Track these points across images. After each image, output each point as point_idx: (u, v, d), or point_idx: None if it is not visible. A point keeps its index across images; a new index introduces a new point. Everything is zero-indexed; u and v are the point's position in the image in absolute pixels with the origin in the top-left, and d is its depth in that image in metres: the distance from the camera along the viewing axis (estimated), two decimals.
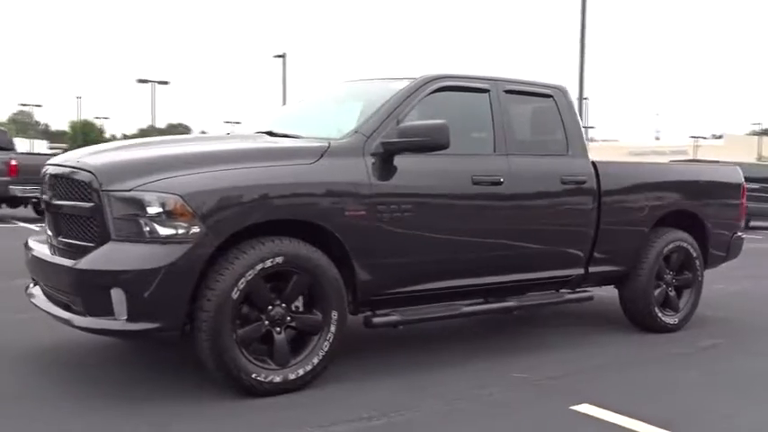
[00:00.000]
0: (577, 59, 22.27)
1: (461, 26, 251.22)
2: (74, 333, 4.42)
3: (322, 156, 4.31)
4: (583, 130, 5.57)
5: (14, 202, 16.05)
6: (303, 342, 4.21)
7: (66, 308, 4.07)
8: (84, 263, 3.85)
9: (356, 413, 3.87)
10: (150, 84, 47.55)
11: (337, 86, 5.90)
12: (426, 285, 4.70)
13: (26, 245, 4.78)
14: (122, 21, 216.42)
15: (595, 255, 5.55)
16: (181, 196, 3.81)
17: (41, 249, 4.52)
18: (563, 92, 5.60)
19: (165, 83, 48.83)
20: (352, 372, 4.54)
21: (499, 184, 4.92)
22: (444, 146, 4.42)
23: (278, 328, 4.11)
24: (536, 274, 5.27)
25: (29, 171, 16.12)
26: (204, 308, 3.86)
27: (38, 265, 4.48)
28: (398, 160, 4.52)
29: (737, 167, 6.80)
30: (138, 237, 3.82)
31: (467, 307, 4.92)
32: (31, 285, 4.81)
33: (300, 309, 4.21)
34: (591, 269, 5.58)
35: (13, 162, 15.61)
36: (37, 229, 13.81)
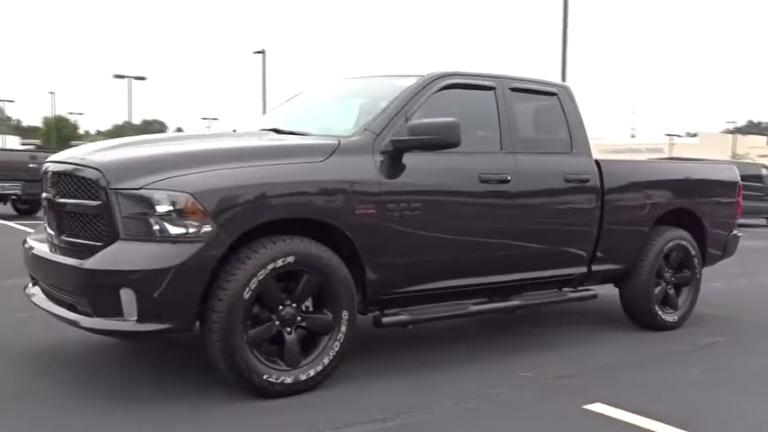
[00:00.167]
0: (559, 57, 22.32)
1: (441, 22, 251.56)
2: (73, 332, 4.34)
3: (332, 153, 4.25)
4: (586, 128, 5.56)
5: None
6: (313, 342, 4.15)
7: (72, 308, 3.97)
8: (92, 262, 3.76)
9: (368, 414, 3.82)
10: (127, 79, 46.89)
11: (339, 83, 5.84)
12: (435, 284, 4.66)
13: (25, 243, 4.67)
14: (98, 15, 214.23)
15: (598, 253, 5.56)
16: (192, 194, 3.73)
17: (42, 248, 4.42)
18: (567, 90, 5.59)
19: (142, 78, 48.15)
20: (360, 371, 4.49)
21: (506, 182, 4.90)
22: (455, 144, 4.38)
23: (288, 329, 4.05)
24: (541, 272, 5.26)
25: (2, 168, 15.90)
26: (215, 308, 3.79)
27: (39, 263, 4.37)
28: (406, 158, 4.47)
29: (734, 166, 6.85)
30: (147, 236, 3.74)
31: (474, 306, 4.89)
32: (30, 285, 4.71)
33: (310, 309, 4.15)
34: (593, 267, 5.59)
35: None
36: (14, 226, 13.58)
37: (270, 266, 3.89)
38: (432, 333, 5.64)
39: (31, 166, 15.56)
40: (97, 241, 3.87)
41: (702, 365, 5.14)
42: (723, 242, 6.58)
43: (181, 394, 4.08)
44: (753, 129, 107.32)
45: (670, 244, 6.01)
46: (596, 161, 5.54)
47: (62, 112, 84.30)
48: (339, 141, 4.35)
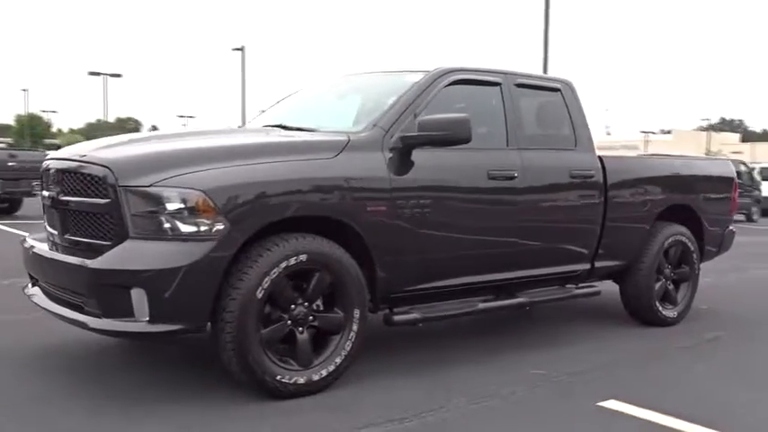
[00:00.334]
0: (536, 54, 22.37)
1: (420, 18, 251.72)
2: (74, 334, 4.25)
3: (342, 150, 4.19)
4: (589, 124, 5.55)
5: None
6: (324, 342, 4.09)
7: (78, 309, 3.86)
8: (101, 261, 3.66)
9: (386, 414, 3.76)
10: (102, 76, 46.32)
11: (341, 79, 5.77)
12: (444, 282, 4.62)
13: (24, 243, 4.56)
14: (73, 10, 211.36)
15: (600, 249, 5.55)
16: (204, 192, 3.65)
17: (43, 247, 4.31)
18: (570, 86, 5.57)
19: (118, 76, 47.60)
20: (368, 370, 4.42)
21: (513, 178, 4.87)
22: (466, 140, 4.34)
23: (300, 328, 3.98)
24: (546, 269, 5.24)
25: None
26: (228, 308, 3.70)
27: (41, 263, 4.26)
28: (415, 155, 4.42)
29: (729, 161, 6.89)
30: (158, 234, 3.65)
31: (482, 304, 4.85)
32: (30, 285, 4.59)
33: (321, 308, 4.08)
34: (596, 264, 5.58)
35: None
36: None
37: (283, 265, 3.82)
38: (435, 331, 5.59)
39: (10, 164, 15.29)
40: (105, 240, 3.77)
41: (709, 360, 5.17)
42: (720, 238, 6.62)
43: (189, 395, 3.99)
44: (725, 126, 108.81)
45: (670, 240, 6.03)
46: (599, 157, 5.53)
47: (35, 109, 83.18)
48: (349, 138, 4.28)
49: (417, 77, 4.74)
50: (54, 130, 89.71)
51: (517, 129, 5.04)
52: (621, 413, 3.92)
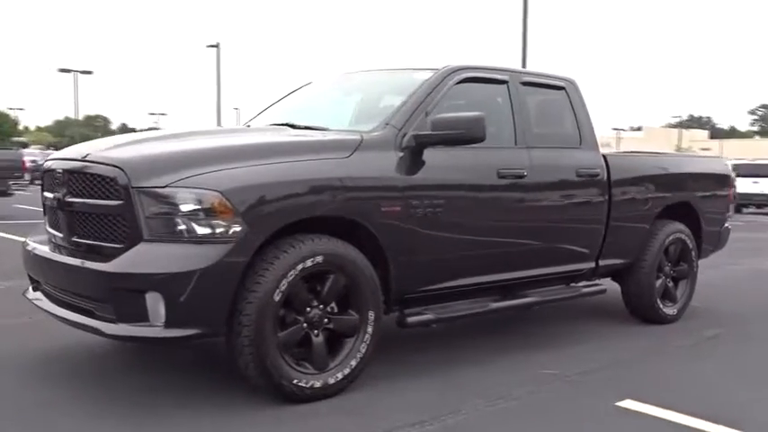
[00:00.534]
0: (508, 53, 22.47)
1: (396, 14, 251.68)
2: (78, 336, 4.15)
3: (356, 149, 4.12)
4: (593, 122, 5.55)
5: None
6: (339, 344, 4.02)
7: (88, 314, 3.75)
8: (115, 265, 3.55)
9: (404, 418, 3.71)
10: (72, 73, 45.64)
11: (342, 77, 5.70)
12: (456, 282, 4.58)
13: (26, 245, 4.43)
14: (42, 6, 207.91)
15: (605, 248, 5.55)
16: (221, 192, 3.56)
17: (45, 249, 4.19)
18: (573, 84, 5.56)
19: (89, 73, 46.95)
20: (381, 372, 4.35)
21: (523, 177, 4.84)
22: (481, 139, 4.29)
23: (316, 331, 3.91)
24: (553, 268, 5.22)
25: None
26: (245, 311, 3.62)
27: (44, 265, 4.14)
28: (426, 154, 4.37)
29: (725, 159, 6.93)
30: (174, 237, 3.55)
31: (494, 303, 4.82)
32: (31, 289, 4.47)
33: (335, 310, 4.02)
34: (600, 262, 5.58)
35: None
36: None
37: (299, 267, 3.75)
38: (438, 331, 5.52)
39: None
40: (117, 243, 3.66)
41: (713, 357, 5.21)
42: (717, 235, 6.67)
43: (201, 400, 3.90)
44: (693, 123, 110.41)
45: (670, 237, 6.05)
46: (603, 155, 5.53)
47: (1, 107, 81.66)
48: (362, 137, 4.22)
49: (426, 75, 4.69)
50: (21, 127, 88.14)
51: (525, 127, 5.01)
52: (639, 413, 3.91)
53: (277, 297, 3.68)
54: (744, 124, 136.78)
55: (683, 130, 78.68)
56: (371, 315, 4.07)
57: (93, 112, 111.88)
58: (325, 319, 3.94)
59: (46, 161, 4.40)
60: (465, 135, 4.26)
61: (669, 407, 3.97)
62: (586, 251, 5.43)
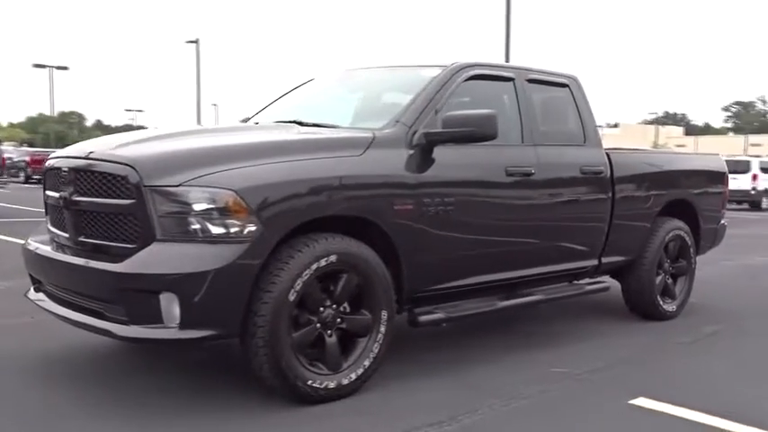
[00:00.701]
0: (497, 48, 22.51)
1: (373, 10, 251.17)
2: (81, 337, 4.05)
3: (369, 147, 4.07)
4: (595, 119, 5.55)
5: None
6: (351, 345, 3.98)
7: (98, 315, 3.67)
8: (129, 265, 3.47)
9: (422, 418, 3.68)
10: (48, 69, 45.00)
11: (344, 74, 5.64)
12: (466, 280, 4.56)
13: (26, 245, 4.34)
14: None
15: (608, 245, 5.55)
16: (236, 191, 3.49)
17: (48, 249, 4.10)
18: (577, 81, 5.56)
19: (64, 68, 46.29)
20: (392, 373, 4.31)
21: (530, 175, 4.82)
22: (493, 136, 4.27)
23: (329, 331, 3.86)
24: (559, 266, 5.23)
25: None
26: (260, 312, 3.56)
27: (49, 266, 4.05)
28: (436, 151, 4.33)
29: (720, 156, 6.99)
30: (188, 236, 3.48)
31: (502, 302, 4.81)
32: (32, 289, 4.37)
33: (347, 309, 3.97)
34: (603, 260, 5.59)
35: None
36: None
37: (314, 266, 3.69)
38: (442, 330, 5.50)
39: None
40: (128, 243, 3.59)
41: (715, 353, 5.24)
42: (714, 232, 6.72)
43: (212, 402, 3.84)
44: (668, 120, 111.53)
45: (670, 234, 6.08)
46: (606, 153, 5.54)
47: None
48: (374, 134, 4.17)
49: (434, 72, 4.65)
50: None
51: (531, 125, 5.00)
52: (654, 411, 3.91)
53: (292, 297, 3.62)
54: (718, 121, 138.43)
55: (659, 127, 79.43)
56: (384, 314, 4.03)
57: (67, 109, 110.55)
58: (338, 319, 3.90)
59: (49, 159, 4.30)
60: (477, 133, 4.23)
61: (682, 404, 3.97)
62: (590, 248, 5.43)
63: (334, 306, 3.88)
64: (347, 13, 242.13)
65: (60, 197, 3.96)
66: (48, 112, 57.96)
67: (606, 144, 5.74)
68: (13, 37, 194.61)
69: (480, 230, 4.54)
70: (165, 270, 3.43)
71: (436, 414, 3.73)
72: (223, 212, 3.48)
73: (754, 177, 25.18)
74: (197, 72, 36.95)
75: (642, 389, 4.22)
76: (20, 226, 11.57)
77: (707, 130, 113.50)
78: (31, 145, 56.81)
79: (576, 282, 5.62)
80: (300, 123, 4.58)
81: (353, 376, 3.91)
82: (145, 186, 3.49)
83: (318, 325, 3.82)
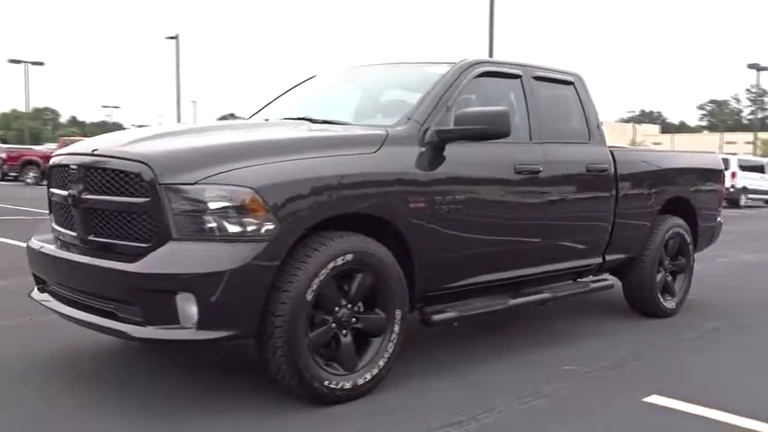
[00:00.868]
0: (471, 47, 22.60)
1: (355, 7, 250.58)
2: (84, 336, 3.94)
3: (383, 144, 4.03)
4: (599, 117, 5.56)
5: None
6: (366, 344, 3.93)
7: (110, 316, 3.59)
8: (144, 265, 3.40)
9: (441, 418, 3.65)
10: (23, 64, 44.34)
11: (350, 71, 5.59)
12: (477, 279, 4.54)
13: (30, 243, 4.24)
14: None
15: (611, 242, 5.56)
16: (254, 189, 3.43)
17: (53, 248, 4.01)
18: (581, 79, 5.56)
19: (40, 64, 45.68)
20: (402, 373, 4.26)
21: (538, 172, 4.81)
22: (506, 134, 4.24)
23: (344, 331, 3.82)
24: (566, 263, 5.23)
25: None
26: (277, 312, 3.50)
27: (55, 266, 3.96)
28: (447, 149, 4.29)
29: (717, 154, 7.03)
30: (204, 235, 3.41)
31: (512, 300, 4.79)
32: (36, 290, 4.28)
33: (362, 309, 3.92)
34: (607, 257, 5.59)
35: None
36: None
37: (330, 265, 3.65)
38: (449, 329, 5.48)
39: None
40: (143, 242, 3.51)
41: (720, 349, 5.26)
42: (711, 229, 6.76)
43: (224, 403, 3.78)
44: (644, 118, 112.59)
45: (670, 232, 6.11)
46: (610, 150, 5.54)
47: None
48: (387, 132, 4.13)
49: (443, 69, 4.62)
50: None
51: (538, 122, 4.99)
52: (669, 408, 3.91)
53: (309, 296, 3.57)
54: (693, 119, 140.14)
55: (636, 125, 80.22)
56: (398, 314, 3.99)
57: (41, 105, 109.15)
58: (353, 319, 3.85)
59: (54, 156, 4.20)
60: (490, 130, 4.21)
61: (696, 401, 3.98)
62: (595, 246, 5.44)
63: (349, 305, 3.83)
64: (326, 11, 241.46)
65: (68, 195, 3.87)
66: (21, 108, 57.20)
67: None
68: None
69: (490, 228, 4.52)
70: (182, 270, 3.37)
71: (454, 414, 3.70)
72: (240, 211, 3.42)
73: (733, 175, 25.52)
74: (176, 69, 36.59)
75: (654, 386, 4.23)
76: None
77: (682, 128, 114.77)
78: (4, 141, 56.00)
79: (580, 279, 5.62)
80: (311, 120, 4.52)
81: (369, 376, 3.87)
82: (160, 184, 3.42)
83: (334, 325, 3.77)
